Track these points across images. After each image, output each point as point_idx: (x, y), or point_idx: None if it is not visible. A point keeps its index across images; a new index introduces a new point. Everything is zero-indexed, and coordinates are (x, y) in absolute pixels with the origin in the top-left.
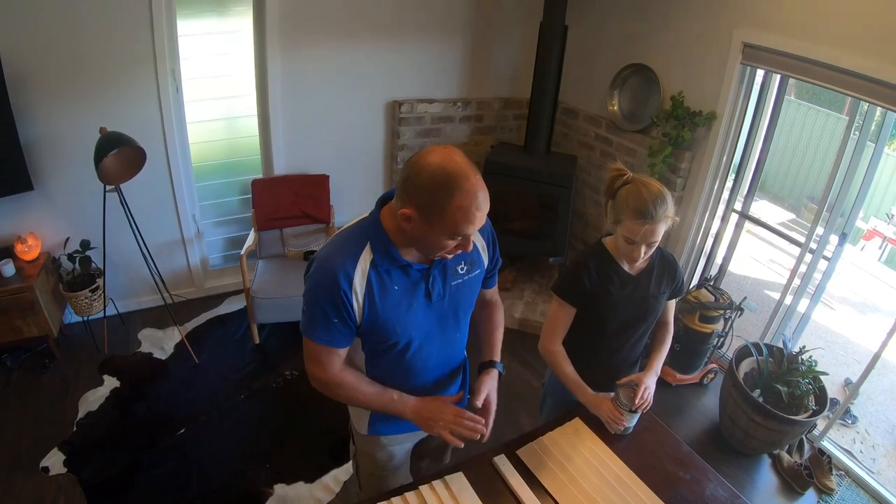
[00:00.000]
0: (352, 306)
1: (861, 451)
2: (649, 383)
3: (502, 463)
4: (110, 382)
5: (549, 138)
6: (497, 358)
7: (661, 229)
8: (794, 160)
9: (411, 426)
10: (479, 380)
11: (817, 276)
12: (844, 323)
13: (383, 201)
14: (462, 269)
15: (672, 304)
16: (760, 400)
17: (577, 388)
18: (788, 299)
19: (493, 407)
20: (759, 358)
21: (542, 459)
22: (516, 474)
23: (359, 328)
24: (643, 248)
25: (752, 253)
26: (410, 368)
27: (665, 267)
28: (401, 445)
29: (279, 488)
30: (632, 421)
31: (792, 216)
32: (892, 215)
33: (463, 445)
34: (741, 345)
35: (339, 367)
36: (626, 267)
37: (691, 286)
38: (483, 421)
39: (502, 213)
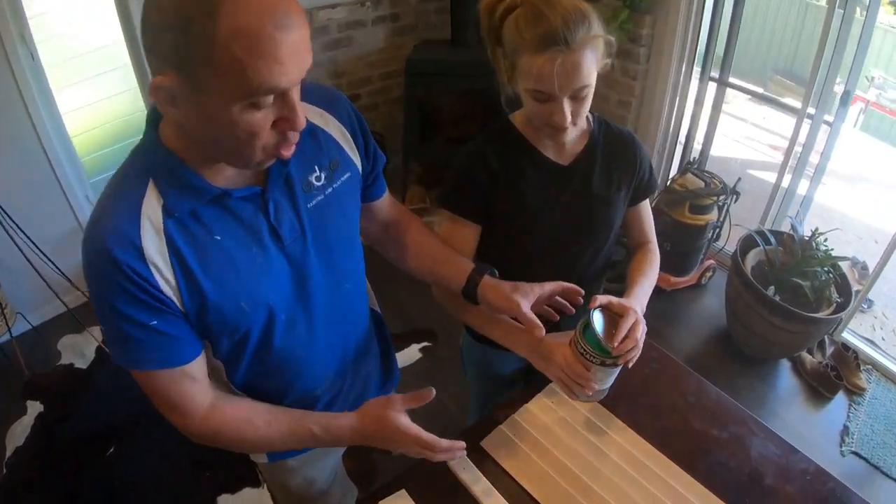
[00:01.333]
0: (159, 290)
1: (883, 339)
2: (636, 309)
3: (462, 466)
4: (34, 408)
5: (478, 25)
6: (470, 264)
7: (588, 63)
8: (762, 29)
9: None
10: (498, 299)
11: (815, 150)
12: (838, 198)
13: (157, 112)
14: (318, 177)
15: (642, 212)
16: (777, 298)
17: (507, 333)
18: (786, 181)
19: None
20: (766, 248)
21: (516, 449)
22: (482, 480)
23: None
24: (566, 105)
25: (728, 132)
26: (289, 361)
27: (616, 150)
28: (321, 463)
29: (223, 500)
30: (607, 379)
31: (759, 90)
32: (873, 78)
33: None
34: (743, 234)
35: (203, 398)
36: (550, 153)
37: (673, 175)
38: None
39: (439, 121)
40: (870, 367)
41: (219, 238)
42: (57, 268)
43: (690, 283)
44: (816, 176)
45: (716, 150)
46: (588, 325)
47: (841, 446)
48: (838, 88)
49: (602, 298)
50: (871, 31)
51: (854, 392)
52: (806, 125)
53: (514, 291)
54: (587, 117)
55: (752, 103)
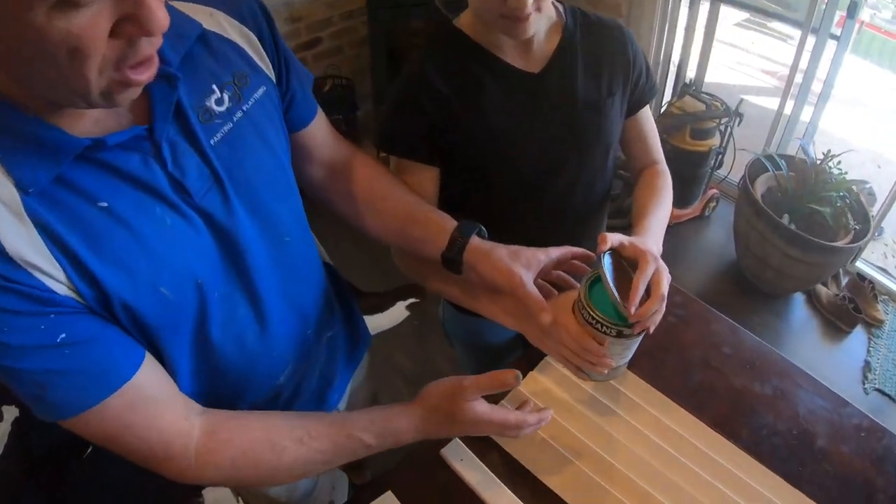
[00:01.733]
0: (48, 290)
1: None
2: (654, 253)
3: (457, 454)
4: (10, 413)
5: None
6: (452, 221)
7: None
8: None
9: None
10: (496, 270)
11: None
12: (835, 122)
13: None
14: (220, 100)
15: (644, 124)
16: (793, 227)
17: (488, 305)
18: (789, 106)
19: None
20: (776, 173)
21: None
22: (482, 470)
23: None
24: None
25: (719, 59)
26: (237, 350)
27: (601, 45)
28: None
29: (209, 493)
30: (625, 352)
31: (744, 15)
32: None
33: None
34: (751, 159)
35: (185, 423)
36: (513, 59)
37: (668, 99)
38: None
39: (400, 53)
40: (886, 297)
41: (105, 205)
42: None
43: (693, 216)
44: (822, 98)
45: (709, 77)
46: (596, 283)
47: (864, 383)
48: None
49: (612, 238)
50: None
51: (872, 325)
52: (810, 41)
53: (514, 260)
54: (555, 5)
55: (740, 28)
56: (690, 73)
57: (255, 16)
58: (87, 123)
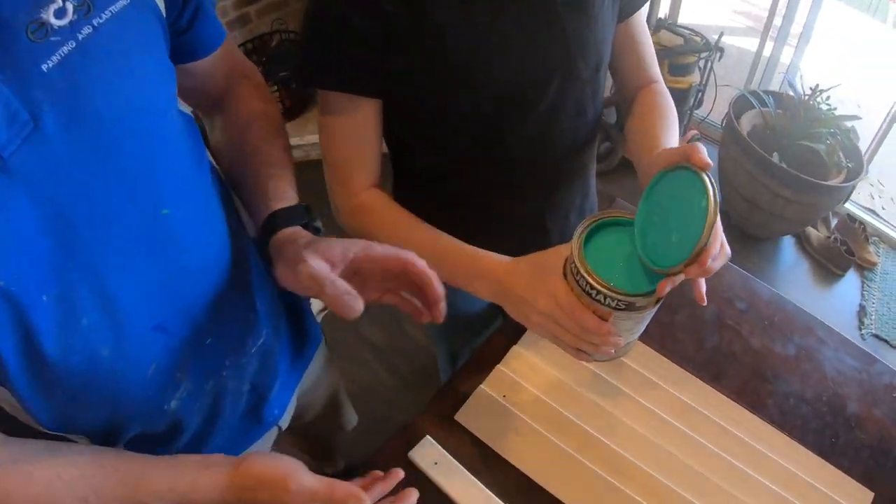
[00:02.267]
0: None
1: (883, 208)
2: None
3: (425, 455)
4: None
5: None
6: (291, 200)
7: None
8: None
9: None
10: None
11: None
12: (817, 64)
13: None
14: (61, 11)
15: (639, 33)
16: (784, 166)
17: (457, 264)
18: (768, 47)
19: (376, 250)
20: (763, 109)
21: (508, 417)
22: (462, 472)
23: None
24: None
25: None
26: (90, 371)
27: None
28: None
29: None
30: (636, 327)
31: None
32: None
33: None
34: (735, 95)
35: None
36: None
37: None
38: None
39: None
40: (876, 238)
41: None
42: None
43: None
44: (803, 39)
45: (681, 17)
46: (596, 236)
47: (860, 329)
48: None
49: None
50: None
51: (865, 267)
52: None
53: (307, 247)
54: None
55: None
56: (663, 10)
57: None
58: None
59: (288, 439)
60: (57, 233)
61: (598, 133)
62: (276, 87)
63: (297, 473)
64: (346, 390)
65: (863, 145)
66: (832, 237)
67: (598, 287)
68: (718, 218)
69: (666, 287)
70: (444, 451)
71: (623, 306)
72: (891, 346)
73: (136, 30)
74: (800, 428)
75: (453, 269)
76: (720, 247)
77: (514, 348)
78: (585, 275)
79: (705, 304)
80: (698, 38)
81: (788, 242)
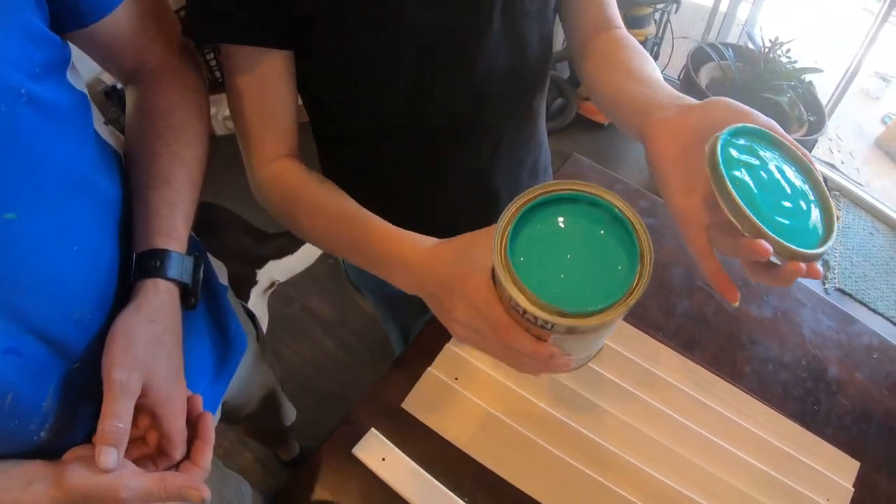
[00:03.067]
0: None
1: (843, 162)
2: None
3: (371, 451)
4: None
5: None
6: (174, 244)
7: None
8: None
9: None
10: (112, 331)
11: None
12: (774, 19)
13: None
14: None
15: None
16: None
17: (375, 251)
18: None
19: (173, 426)
20: (721, 63)
21: (459, 402)
22: (413, 467)
23: None
24: None
25: None
26: None
27: None
28: None
29: None
30: (589, 346)
31: None
32: None
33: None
34: (693, 47)
35: None
36: None
37: None
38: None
39: None
40: (836, 192)
41: None
42: None
43: None
44: None
45: None
46: (531, 214)
47: (824, 283)
48: None
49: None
50: None
51: None
52: None
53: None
54: None
55: None
56: None
57: None
58: None
59: (234, 429)
60: None
61: (548, 85)
62: (211, 55)
63: (126, 479)
64: (297, 370)
65: (822, 100)
66: None
67: (528, 305)
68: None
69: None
70: (392, 445)
71: (563, 330)
72: (854, 299)
73: None
74: (780, 396)
75: (369, 256)
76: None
77: (447, 346)
78: (509, 288)
79: (737, 304)
80: None
81: None
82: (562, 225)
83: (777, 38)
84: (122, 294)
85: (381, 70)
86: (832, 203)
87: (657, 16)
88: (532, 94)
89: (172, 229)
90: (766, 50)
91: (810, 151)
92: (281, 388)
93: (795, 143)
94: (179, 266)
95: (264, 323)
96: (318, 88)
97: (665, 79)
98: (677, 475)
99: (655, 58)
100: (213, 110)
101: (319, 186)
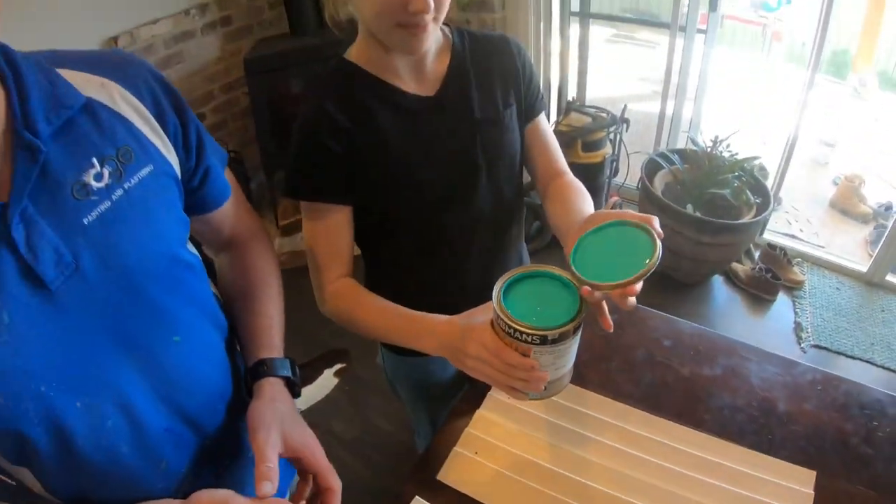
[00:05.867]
0: None
1: (801, 231)
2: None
3: None
4: None
5: (318, 9)
6: (274, 353)
7: None
8: None
9: None
10: (249, 414)
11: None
12: (719, 112)
13: None
14: (99, 175)
15: (542, 134)
16: (698, 214)
17: (409, 329)
18: (670, 106)
19: (318, 461)
20: (671, 168)
21: (484, 471)
22: None
23: None
24: None
25: (596, 73)
26: (112, 463)
27: (490, 59)
28: None
29: None
30: (559, 361)
31: (613, 31)
32: None
33: None
34: (645, 160)
35: None
36: (407, 86)
37: (555, 119)
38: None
39: (285, 118)
40: (799, 259)
41: None
42: None
43: None
44: (699, 92)
45: (590, 93)
46: (512, 287)
47: (800, 343)
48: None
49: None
50: None
51: (793, 287)
52: (679, 41)
53: (255, 438)
54: (441, 28)
55: (610, 44)
56: (572, 93)
57: (153, 90)
58: None
59: None
60: (90, 352)
61: (526, 213)
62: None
63: (235, 498)
64: None
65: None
66: (757, 268)
67: (515, 325)
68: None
69: (589, 292)
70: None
71: (538, 340)
72: (831, 351)
73: (157, 191)
74: (738, 433)
75: (406, 332)
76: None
77: (478, 412)
78: (503, 316)
79: (612, 330)
80: (605, 115)
81: (718, 281)
82: (532, 286)
83: (717, 137)
84: (234, 390)
85: (406, 213)
86: (653, 254)
87: (611, 136)
88: (510, 223)
89: (271, 344)
90: (710, 149)
91: (763, 229)
92: None
93: (654, 228)
94: (281, 366)
95: None
96: (366, 228)
97: (627, 189)
98: (661, 502)
99: (615, 173)
100: None
101: (368, 294)
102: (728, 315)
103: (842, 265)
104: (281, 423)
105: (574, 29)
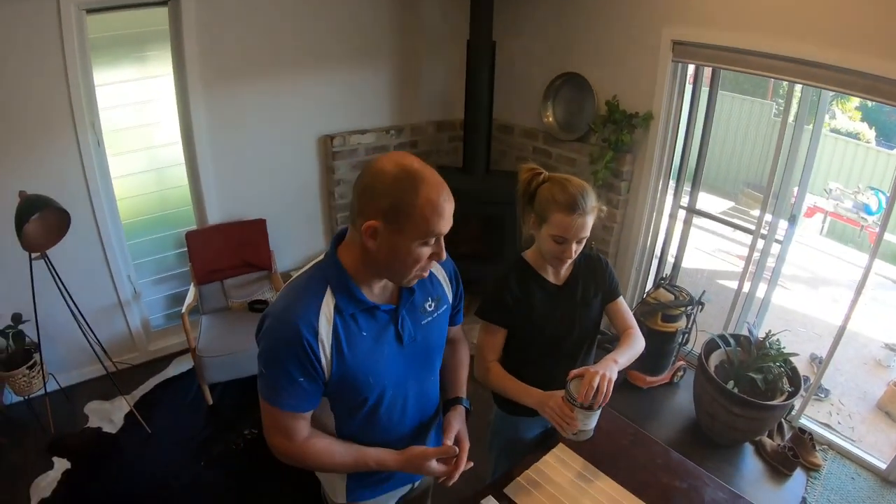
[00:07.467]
0: (319, 361)
1: (839, 423)
2: (605, 371)
3: None
4: (61, 464)
5: (488, 157)
6: (462, 394)
7: (591, 222)
8: (726, 148)
9: (394, 484)
10: (445, 419)
11: (770, 260)
12: (800, 300)
13: (339, 239)
14: (430, 306)
15: (620, 307)
16: (736, 391)
17: (523, 393)
18: (746, 287)
19: (466, 445)
20: (727, 349)
21: (531, 494)
22: None
23: (326, 385)
24: (574, 246)
25: (701, 245)
26: (385, 423)
27: (591, 270)
28: None
29: None
30: (588, 421)
31: (731, 203)
32: (830, 189)
33: (452, 482)
34: (707, 338)
35: (306, 432)
36: (550, 277)
37: (647, 289)
38: (455, 450)
39: (447, 239)
40: (825, 447)
41: (365, 334)
42: (97, 338)
43: (664, 382)
44: (772, 283)
45: (688, 263)
46: (569, 384)
47: None
48: (786, 205)
49: (574, 371)
50: (819, 139)
51: (811, 469)
52: (762, 241)
53: (447, 427)
54: None
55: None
56: (672, 258)
57: (451, 270)
58: (374, 296)
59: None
60: (405, 372)
61: (595, 346)
62: None
63: (427, 448)
64: None
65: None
66: (782, 445)
67: (569, 396)
68: (594, 377)
69: (591, 406)
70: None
71: (577, 405)
72: None
73: (445, 316)
74: None
75: (523, 395)
76: (602, 390)
77: (545, 457)
78: (566, 393)
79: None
80: (685, 295)
81: (749, 449)
82: (578, 384)
83: (770, 332)
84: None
85: (535, 347)
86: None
87: (688, 313)
88: (587, 354)
89: (461, 388)
90: (763, 339)
91: (789, 413)
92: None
93: (601, 392)
94: (465, 401)
95: None
96: (512, 339)
97: (694, 356)
98: None
99: (685, 343)
100: None
101: (508, 376)
102: (748, 479)
103: (865, 459)
104: (461, 424)
105: (681, 216)
